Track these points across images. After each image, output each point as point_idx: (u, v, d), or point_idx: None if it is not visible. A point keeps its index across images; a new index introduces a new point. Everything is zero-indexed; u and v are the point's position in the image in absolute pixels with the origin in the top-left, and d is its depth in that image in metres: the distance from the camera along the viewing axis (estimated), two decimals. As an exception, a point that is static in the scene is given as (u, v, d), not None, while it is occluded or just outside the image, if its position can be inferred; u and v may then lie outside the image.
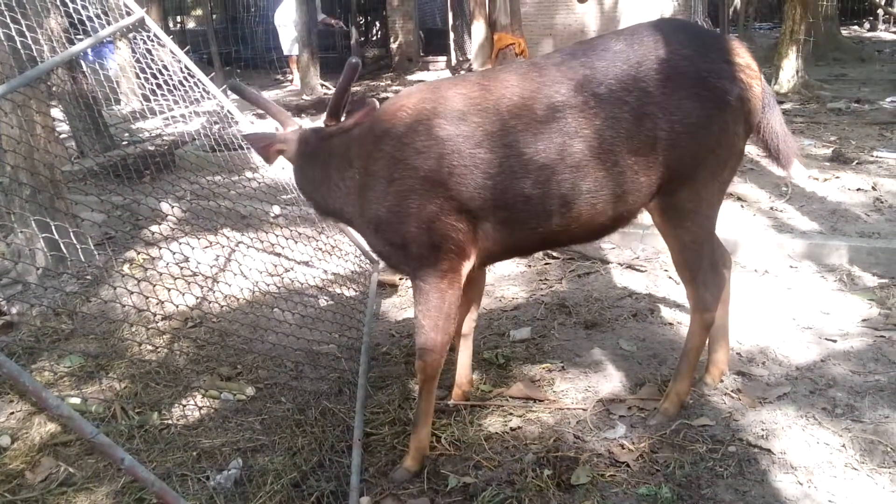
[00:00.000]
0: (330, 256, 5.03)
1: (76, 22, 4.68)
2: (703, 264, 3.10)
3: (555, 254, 5.31)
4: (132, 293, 3.89)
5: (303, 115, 11.00)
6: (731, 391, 3.47)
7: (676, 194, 2.94)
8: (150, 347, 4.11)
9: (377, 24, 19.22)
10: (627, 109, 2.76)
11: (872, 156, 7.08)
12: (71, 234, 4.01)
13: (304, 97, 13.08)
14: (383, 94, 13.21)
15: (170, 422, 3.46)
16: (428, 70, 15.67)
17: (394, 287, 5.02)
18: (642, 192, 2.90)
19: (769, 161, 3.26)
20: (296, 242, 5.03)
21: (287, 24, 14.21)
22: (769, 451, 3.03)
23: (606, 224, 2.98)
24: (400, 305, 4.76)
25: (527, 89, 2.81)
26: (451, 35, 14.51)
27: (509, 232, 2.90)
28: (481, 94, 2.84)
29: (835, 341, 3.89)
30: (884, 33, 18.74)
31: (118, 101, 10.72)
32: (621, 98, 2.76)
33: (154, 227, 5.79)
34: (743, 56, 2.91)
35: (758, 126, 3.06)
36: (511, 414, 3.40)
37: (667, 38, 2.84)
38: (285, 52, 14.66)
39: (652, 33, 2.87)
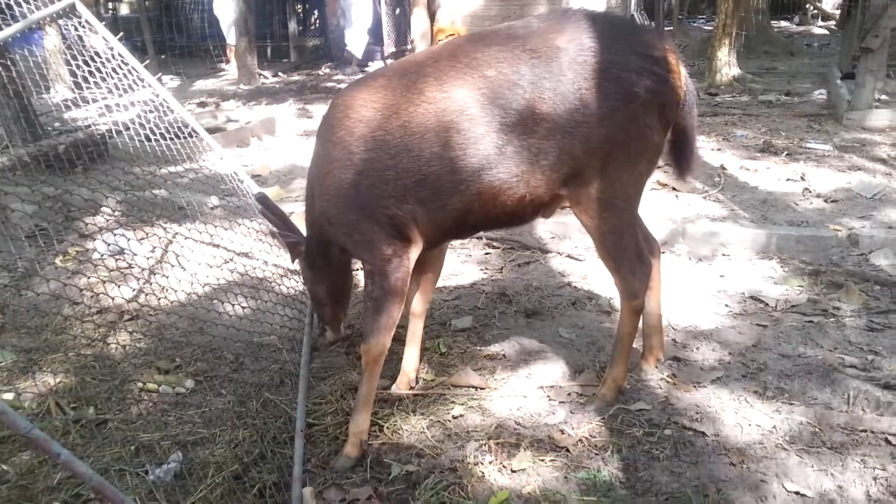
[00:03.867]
0: (270, 247, 4.99)
1: (2, 6, 4.54)
2: (626, 253, 3.15)
3: (495, 243, 5.36)
4: (65, 286, 3.80)
5: (240, 104, 10.84)
6: (667, 376, 3.56)
7: (589, 185, 2.97)
8: (84, 341, 4.02)
9: (315, 12, 19.00)
10: (520, 93, 2.81)
11: (801, 147, 7.30)
12: (0, 225, 3.89)
13: (242, 86, 12.88)
14: (323, 85, 13.09)
15: (107, 416, 3.39)
16: (370, 60, 15.55)
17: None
18: (545, 177, 2.93)
19: (668, 165, 3.23)
20: (235, 233, 4.98)
21: (227, 12, 13.96)
22: (703, 433, 3.12)
23: (515, 207, 3.01)
24: (341, 296, 4.74)
25: (422, 74, 2.93)
26: (391, 24, 14.42)
27: (427, 211, 2.96)
28: (383, 83, 2.99)
29: (765, 326, 4.02)
30: (813, 28, 19.28)
31: (48, 89, 10.42)
32: (512, 81, 2.81)
33: (88, 219, 5.65)
34: (659, 49, 2.90)
35: (674, 124, 3.07)
36: (453, 402, 3.43)
37: (570, 26, 2.88)
38: (229, 42, 14.37)
39: (556, 21, 2.92)
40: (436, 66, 2.92)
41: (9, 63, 7.08)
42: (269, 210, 3.52)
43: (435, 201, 2.94)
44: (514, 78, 2.81)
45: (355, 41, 14.25)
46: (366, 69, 13.86)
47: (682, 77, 2.98)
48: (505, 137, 2.84)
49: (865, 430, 3.08)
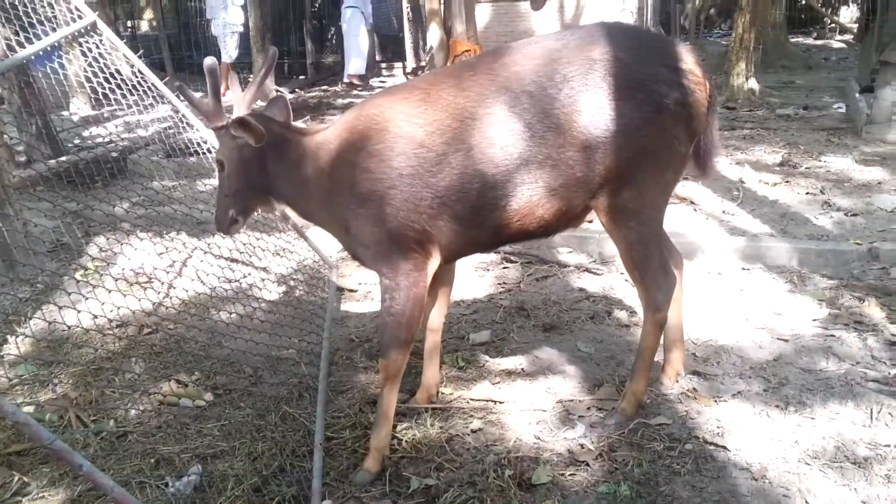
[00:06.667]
0: (288, 261, 5.01)
1: (26, 25, 4.60)
2: (652, 264, 3.15)
3: (513, 257, 5.35)
4: (86, 299, 3.82)
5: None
6: (688, 390, 3.53)
7: (619, 195, 2.99)
8: (105, 354, 4.04)
9: (332, 28, 19.10)
10: (558, 107, 2.83)
11: (820, 161, 7.27)
12: (23, 239, 3.93)
13: (259, 102, 12.93)
14: (341, 101, 13.16)
15: (127, 429, 3.41)
16: (384, 76, 15.63)
17: (352, 291, 5.01)
18: (580, 189, 2.95)
19: (690, 162, 3.24)
20: (253, 248, 4.99)
21: (235, 30, 13.97)
22: (724, 448, 3.10)
23: (550, 220, 3.02)
24: (359, 310, 4.75)
25: (461, 89, 2.91)
26: (409, 41, 14.51)
27: (463, 227, 2.97)
28: (421, 97, 2.96)
29: (787, 341, 3.98)
30: (830, 41, 19.21)
31: (68, 107, 10.53)
32: (551, 95, 2.83)
33: (107, 233, 5.69)
34: (686, 61, 2.95)
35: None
36: (472, 416, 3.42)
37: (603, 39, 2.90)
38: (234, 59, 14.29)
39: (589, 35, 2.94)
40: (475, 81, 2.92)
41: (31, 81, 7.18)
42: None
43: (473, 218, 2.94)
44: (553, 92, 2.83)
45: (353, 63, 14.22)
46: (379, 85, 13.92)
47: (708, 88, 3.01)
48: (546, 151, 2.85)
49: (889, 445, 3.04)
